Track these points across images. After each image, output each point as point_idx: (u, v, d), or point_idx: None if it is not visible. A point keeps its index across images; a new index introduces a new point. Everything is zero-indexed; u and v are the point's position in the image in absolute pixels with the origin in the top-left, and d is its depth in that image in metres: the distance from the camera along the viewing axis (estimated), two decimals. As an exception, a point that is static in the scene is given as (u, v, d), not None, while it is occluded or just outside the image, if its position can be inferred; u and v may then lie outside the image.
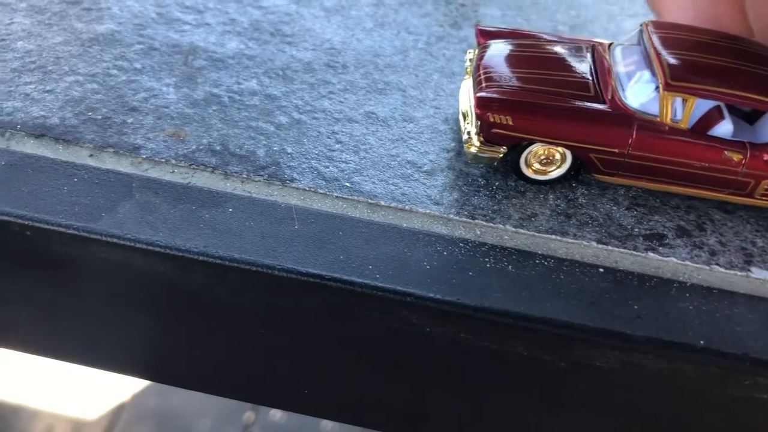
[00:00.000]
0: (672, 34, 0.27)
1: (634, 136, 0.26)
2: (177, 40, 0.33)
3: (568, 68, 0.28)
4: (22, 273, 0.26)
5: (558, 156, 0.27)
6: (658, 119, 0.26)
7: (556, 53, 0.28)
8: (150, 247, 0.24)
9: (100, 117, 0.28)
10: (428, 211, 0.26)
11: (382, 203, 0.26)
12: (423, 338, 0.24)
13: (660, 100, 0.26)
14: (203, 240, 0.24)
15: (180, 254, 0.24)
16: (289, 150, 0.28)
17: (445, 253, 0.25)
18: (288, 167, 0.27)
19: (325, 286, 0.24)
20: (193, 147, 0.28)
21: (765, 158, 0.26)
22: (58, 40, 0.32)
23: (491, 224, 0.26)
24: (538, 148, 0.26)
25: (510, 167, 0.27)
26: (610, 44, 0.29)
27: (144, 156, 0.27)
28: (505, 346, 0.24)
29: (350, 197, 0.26)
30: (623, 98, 0.26)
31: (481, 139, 0.26)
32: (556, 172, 0.27)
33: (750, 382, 0.23)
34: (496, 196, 0.27)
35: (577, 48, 0.29)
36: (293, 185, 0.27)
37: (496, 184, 0.27)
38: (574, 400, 0.25)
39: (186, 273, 0.24)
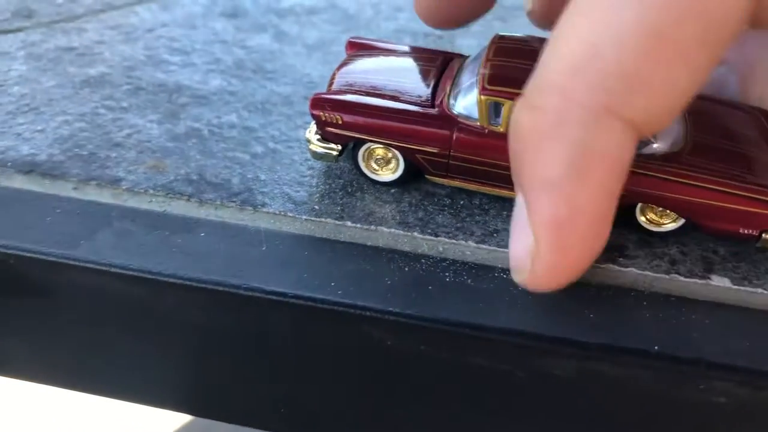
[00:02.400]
0: (513, 45, 0.29)
1: (454, 138, 0.27)
2: (163, 79, 0.34)
3: (413, 77, 0.30)
4: (8, 301, 0.28)
5: (391, 155, 0.28)
6: (478, 123, 0.27)
7: (407, 63, 0.31)
8: (124, 271, 0.25)
9: (86, 153, 0.30)
10: (393, 230, 0.27)
11: (349, 224, 0.27)
12: (385, 352, 0.25)
13: (478, 104, 0.27)
14: (174, 263, 0.25)
15: (152, 277, 0.25)
16: (263, 177, 0.29)
17: (406, 269, 0.26)
18: (260, 193, 0.28)
19: (288, 303, 0.25)
20: (172, 177, 0.29)
21: None
22: (51, 84, 0.34)
23: (454, 241, 0.27)
24: (373, 148, 0.28)
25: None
26: (468, 57, 0.31)
27: (124, 187, 0.28)
28: (465, 358, 0.24)
29: (317, 219, 0.27)
30: (449, 103, 0.28)
31: (318, 137, 0.28)
32: (390, 175, 0.29)
33: (705, 386, 0.23)
34: (460, 214, 0.28)
35: (432, 59, 0.31)
36: (264, 210, 0.28)
37: (461, 203, 0.28)
38: (534, 409, 0.25)
39: (159, 295, 0.26)
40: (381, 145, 0.28)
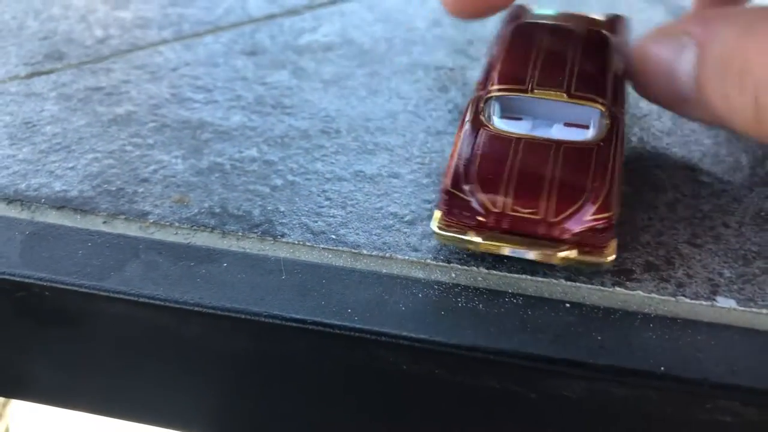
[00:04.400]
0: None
1: None
2: (187, 116, 0.36)
3: None
4: (43, 330, 0.29)
5: None
6: None
7: None
8: (152, 301, 0.27)
9: (114, 188, 0.32)
10: (407, 257, 0.28)
11: (365, 252, 0.28)
12: (401, 376, 0.26)
13: None
14: (198, 293, 0.27)
15: (178, 306, 0.27)
16: (282, 209, 0.30)
17: (420, 295, 0.27)
18: (280, 224, 0.30)
19: (308, 330, 0.26)
20: (195, 210, 0.30)
21: (476, 91, 0.30)
22: (81, 123, 0.35)
23: (465, 267, 0.28)
24: None
25: None
26: None
27: (151, 221, 0.30)
28: (478, 380, 0.25)
29: (335, 248, 0.29)
30: None
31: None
32: None
33: (711, 405, 0.24)
34: (472, 241, 0.29)
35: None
36: (284, 240, 0.29)
37: (473, 230, 0.29)
38: (546, 429, 0.26)
39: (184, 323, 0.27)
40: None
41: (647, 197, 0.31)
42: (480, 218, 0.26)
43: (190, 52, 0.41)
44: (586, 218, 0.25)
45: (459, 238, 0.26)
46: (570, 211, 0.25)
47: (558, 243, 0.26)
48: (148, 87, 0.38)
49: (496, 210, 0.26)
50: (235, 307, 0.26)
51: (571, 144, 0.27)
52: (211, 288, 0.27)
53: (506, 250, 0.26)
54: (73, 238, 0.29)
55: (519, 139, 0.27)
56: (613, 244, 0.26)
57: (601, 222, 0.26)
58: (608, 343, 0.25)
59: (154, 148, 0.34)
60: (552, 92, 0.29)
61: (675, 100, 0.29)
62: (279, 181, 0.32)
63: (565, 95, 0.29)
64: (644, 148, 0.34)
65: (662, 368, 0.24)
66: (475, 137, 0.28)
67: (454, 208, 0.26)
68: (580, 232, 0.26)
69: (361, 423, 0.28)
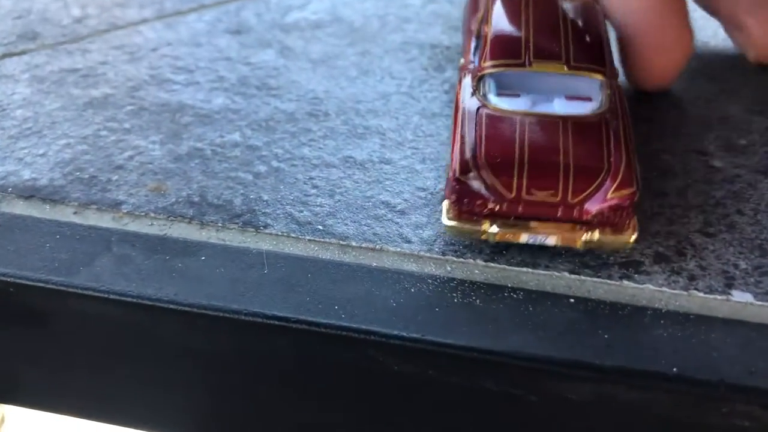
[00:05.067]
0: None
1: None
2: (166, 99, 0.34)
3: None
4: (8, 330, 0.27)
5: None
6: None
7: None
8: (123, 298, 0.25)
9: (87, 176, 0.30)
10: (399, 249, 0.26)
11: (353, 244, 0.27)
12: (393, 377, 0.24)
13: None
14: (174, 288, 0.25)
15: (151, 303, 0.25)
16: (265, 197, 0.28)
17: (412, 290, 0.25)
18: (263, 214, 0.28)
19: (291, 329, 0.24)
20: (173, 200, 0.28)
21: (465, 67, 0.29)
22: (54, 106, 0.33)
23: (462, 260, 0.26)
24: None
25: None
26: None
27: (125, 211, 0.28)
28: (474, 382, 0.24)
29: (322, 240, 0.27)
30: None
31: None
32: None
33: (727, 409, 0.22)
34: (469, 231, 0.27)
35: None
36: (267, 231, 0.27)
37: (469, 219, 0.27)
38: (548, 435, 0.24)
39: (159, 321, 0.25)
40: None
41: (656, 183, 0.29)
42: (494, 205, 0.24)
43: (171, 32, 0.39)
44: (608, 196, 0.24)
45: (473, 229, 0.25)
46: (590, 190, 0.24)
47: (577, 225, 0.24)
48: (126, 68, 0.36)
49: (510, 195, 0.24)
50: (214, 304, 0.24)
51: (578, 118, 0.26)
52: (187, 283, 0.25)
53: (524, 238, 0.25)
54: (41, 230, 0.27)
55: (523, 117, 0.26)
56: (634, 222, 0.25)
57: (624, 199, 0.24)
58: (616, 341, 0.23)
59: (130, 132, 0.32)
60: (551, 64, 0.27)
61: None
62: (263, 168, 0.30)
63: (564, 67, 0.27)
64: (651, 131, 0.32)
65: (674, 369, 0.22)
66: (476, 118, 0.26)
67: (465, 196, 0.24)
68: (602, 211, 0.24)
69: (349, 427, 0.26)
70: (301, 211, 0.28)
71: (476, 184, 0.24)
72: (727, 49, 0.37)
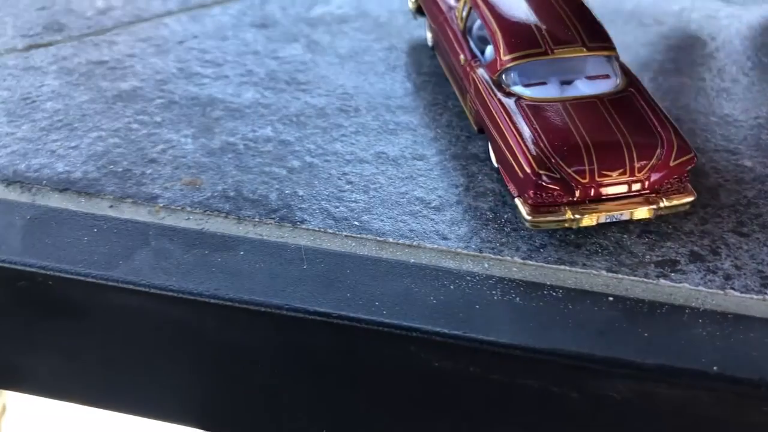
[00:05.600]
0: None
1: None
2: (196, 92, 0.34)
3: None
4: (47, 322, 0.27)
5: None
6: None
7: None
8: (163, 292, 0.25)
9: (120, 169, 0.30)
10: (436, 246, 0.26)
11: (390, 240, 0.27)
12: (432, 374, 0.24)
13: None
14: (214, 283, 0.25)
15: (192, 298, 0.25)
16: (301, 193, 0.29)
17: (452, 287, 0.25)
18: (299, 209, 0.28)
19: (333, 324, 0.24)
20: (208, 194, 0.28)
21: (472, 65, 0.29)
22: (84, 99, 0.33)
23: (499, 257, 0.26)
24: None
25: None
26: None
27: (161, 205, 0.28)
28: (515, 379, 0.24)
29: (359, 236, 0.27)
30: None
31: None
32: None
33: (768, 408, 0.22)
34: (505, 228, 0.27)
35: None
36: (303, 226, 0.27)
37: (505, 217, 0.28)
38: (587, 432, 0.25)
39: (199, 316, 0.25)
40: None
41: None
42: (572, 193, 0.25)
43: (197, 24, 0.39)
44: (670, 164, 0.25)
45: (556, 219, 0.25)
46: (652, 162, 0.25)
47: (645, 196, 0.26)
48: (153, 61, 0.36)
49: (584, 180, 0.25)
50: (254, 299, 0.24)
51: (612, 96, 0.27)
52: (227, 278, 0.25)
53: (603, 218, 0.26)
54: (77, 223, 0.27)
55: (563, 103, 0.27)
56: (689, 184, 0.26)
57: (684, 165, 0.26)
58: (656, 339, 0.23)
59: (161, 126, 0.32)
60: (572, 49, 0.28)
61: None
62: (296, 163, 0.30)
63: (584, 49, 0.28)
64: (680, 130, 0.32)
65: (715, 368, 0.22)
66: (521, 112, 0.26)
67: (543, 191, 0.25)
68: (667, 180, 0.26)
69: (389, 422, 0.26)
70: (337, 207, 0.28)
71: (553, 177, 0.25)
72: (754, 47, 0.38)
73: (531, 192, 0.25)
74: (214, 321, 0.25)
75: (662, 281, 0.25)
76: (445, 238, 0.27)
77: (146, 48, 0.37)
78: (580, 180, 0.25)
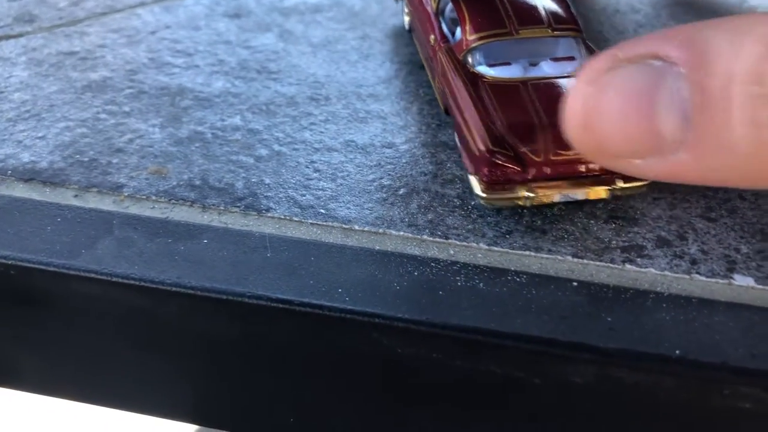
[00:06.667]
0: None
1: None
2: (166, 82, 0.34)
3: None
4: (11, 312, 0.27)
5: None
6: None
7: None
8: (125, 281, 0.25)
9: (87, 159, 0.29)
10: (402, 233, 0.26)
11: (356, 228, 0.27)
12: (396, 360, 0.24)
13: None
14: (177, 271, 0.25)
15: (154, 286, 0.25)
16: (267, 181, 0.28)
17: (416, 273, 0.25)
18: (265, 197, 0.28)
19: (295, 312, 0.24)
20: (174, 183, 0.28)
21: (441, 45, 0.29)
22: (53, 89, 0.33)
23: (465, 243, 0.26)
24: None
25: None
26: None
27: (126, 194, 0.28)
28: (478, 365, 0.24)
29: (325, 223, 0.27)
30: None
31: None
32: None
33: (730, 391, 0.22)
34: (471, 215, 0.27)
35: None
36: (269, 215, 0.27)
37: (472, 203, 0.27)
38: (551, 418, 0.24)
39: (161, 304, 0.25)
40: None
41: (657, 168, 0.29)
42: (526, 171, 0.25)
43: (169, 15, 0.38)
44: None
45: (509, 197, 0.25)
46: None
47: (599, 177, 0.26)
48: (124, 51, 0.36)
49: (538, 159, 0.25)
50: (217, 287, 0.24)
51: (574, 77, 0.27)
52: (190, 266, 0.25)
53: (557, 197, 0.26)
54: (41, 212, 0.27)
55: (525, 84, 0.27)
56: None
57: None
58: (619, 324, 0.23)
59: (130, 116, 0.32)
60: (537, 30, 0.28)
61: (648, 151, 0.18)
62: (264, 152, 0.30)
63: (549, 30, 0.28)
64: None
65: (677, 352, 0.22)
66: (483, 91, 0.27)
67: (497, 168, 0.25)
68: None
69: (352, 409, 0.26)
70: (304, 195, 0.28)
71: (507, 155, 0.25)
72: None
73: (485, 169, 0.25)
74: (177, 309, 0.25)
75: (628, 266, 0.25)
76: (411, 225, 0.27)
77: (118, 39, 0.37)
78: (535, 158, 0.25)
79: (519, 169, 0.25)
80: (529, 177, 0.25)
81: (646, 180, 0.26)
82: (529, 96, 0.26)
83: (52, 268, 0.25)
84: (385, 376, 0.25)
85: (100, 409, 0.30)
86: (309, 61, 0.35)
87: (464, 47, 0.28)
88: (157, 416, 0.28)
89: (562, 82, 0.27)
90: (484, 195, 0.25)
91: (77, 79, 0.34)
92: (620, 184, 0.26)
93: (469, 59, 0.28)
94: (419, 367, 0.24)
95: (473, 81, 0.27)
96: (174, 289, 0.24)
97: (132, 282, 0.25)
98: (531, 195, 0.25)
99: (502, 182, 0.25)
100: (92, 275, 0.25)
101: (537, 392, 0.24)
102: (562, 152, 0.25)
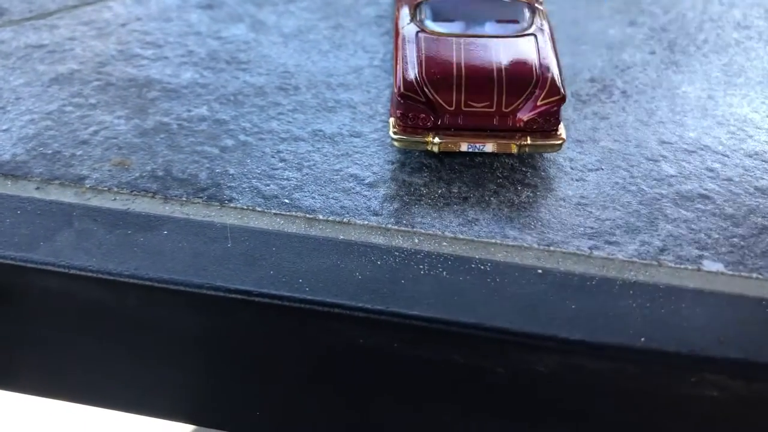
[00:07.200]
0: None
1: None
2: (134, 74, 0.33)
3: None
4: (-30, 306, 0.27)
5: None
6: None
7: None
8: (83, 273, 0.24)
9: (50, 152, 0.29)
10: (366, 222, 0.26)
11: (320, 217, 0.26)
12: (358, 350, 0.24)
13: None
14: (135, 263, 0.24)
15: (112, 278, 0.24)
16: (232, 171, 0.28)
17: (378, 262, 0.24)
18: (228, 188, 0.27)
19: (254, 303, 0.23)
20: (137, 174, 0.28)
21: (400, 3, 0.31)
22: (19, 82, 0.33)
23: (430, 232, 0.25)
24: None
25: None
26: None
27: (88, 186, 0.27)
28: (441, 355, 0.23)
29: (288, 213, 0.26)
30: None
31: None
32: None
33: (697, 379, 0.22)
34: (438, 203, 0.26)
35: None
36: (231, 205, 0.27)
37: (438, 192, 0.27)
38: (515, 407, 0.24)
39: (120, 296, 0.24)
40: None
41: (629, 153, 0.29)
42: (436, 118, 0.27)
43: (141, 7, 0.38)
44: (537, 104, 0.26)
45: (417, 140, 0.27)
46: (521, 99, 0.26)
47: (512, 132, 0.27)
48: (94, 44, 0.35)
49: (450, 108, 0.26)
50: (174, 278, 0.24)
51: (509, 37, 0.28)
52: (149, 257, 0.24)
53: (464, 146, 0.27)
54: (1, 205, 0.27)
55: (459, 38, 0.28)
56: (562, 127, 0.27)
57: (552, 105, 0.26)
58: (583, 312, 0.23)
59: (96, 108, 0.31)
60: None
61: None
62: (230, 142, 0.29)
63: None
64: (628, 102, 0.32)
65: (642, 339, 0.22)
66: (416, 41, 0.28)
67: (409, 111, 0.27)
68: (533, 118, 0.26)
69: (315, 400, 0.26)
70: (268, 185, 0.27)
71: (419, 100, 0.27)
72: None
73: (398, 112, 0.27)
74: (135, 301, 0.24)
75: (595, 253, 0.25)
76: (376, 214, 0.26)
77: (87, 31, 0.36)
78: (446, 107, 0.26)
79: (431, 116, 0.26)
80: (440, 124, 0.27)
81: (558, 140, 0.27)
82: (458, 50, 0.27)
83: (9, 261, 0.25)
84: (346, 366, 0.24)
85: (66, 404, 0.29)
86: (280, 51, 0.35)
87: (414, 1, 0.30)
88: (117, 410, 0.28)
89: (494, 41, 0.28)
90: (394, 136, 0.27)
91: (44, 72, 0.33)
92: (528, 140, 0.27)
93: (418, 12, 0.30)
94: (381, 357, 0.24)
95: (411, 32, 0.28)
96: (132, 280, 0.24)
97: (90, 274, 0.24)
98: (438, 141, 0.27)
99: (412, 126, 0.27)
100: (50, 267, 0.24)
101: (501, 381, 0.23)
102: (473, 104, 0.26)
